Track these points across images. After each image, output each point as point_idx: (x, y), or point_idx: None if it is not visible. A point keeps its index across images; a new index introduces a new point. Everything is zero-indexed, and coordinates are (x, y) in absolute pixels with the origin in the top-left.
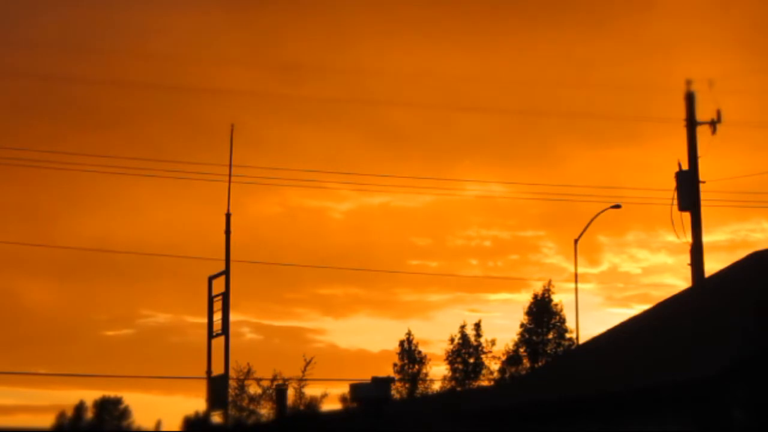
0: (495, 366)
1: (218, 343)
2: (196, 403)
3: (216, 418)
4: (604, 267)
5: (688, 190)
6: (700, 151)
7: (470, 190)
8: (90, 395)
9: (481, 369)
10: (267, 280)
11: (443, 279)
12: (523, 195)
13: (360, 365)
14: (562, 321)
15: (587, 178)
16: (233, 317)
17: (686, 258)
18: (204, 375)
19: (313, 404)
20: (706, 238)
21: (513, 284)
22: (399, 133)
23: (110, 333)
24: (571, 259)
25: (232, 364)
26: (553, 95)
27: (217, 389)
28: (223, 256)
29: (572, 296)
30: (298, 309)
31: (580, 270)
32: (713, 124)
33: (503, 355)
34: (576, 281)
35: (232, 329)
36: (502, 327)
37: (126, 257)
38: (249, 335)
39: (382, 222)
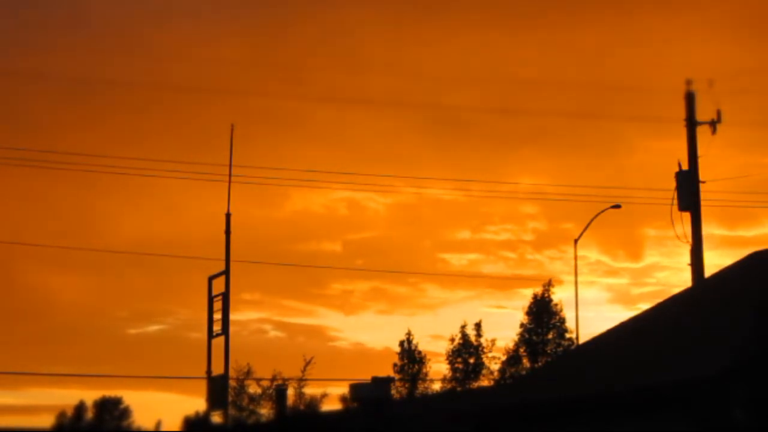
0: (495, 366)
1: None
2: (196, 403)
3: (216, 418)
4: (647, 261)
5: (688, 190)
6: (700, 151)
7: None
8: (90, 395)
9: (481, 369)
10: (290, 278)
11: (475, 274)
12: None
13: (386, 363)
14: (562, 321)
15: (587, 178)
16: (255, 315)
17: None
18: (204, 375)
19: (313, 404)
20: (706, 238)
21: (545, 280)
22: (449, 130)
23: (133, 331)
24: (609, 254)
25: (249, 360)
26: (553, 95)
27: (217, 389)
28: (240, 256)
29: (605, 293)
30: (323, 306)
31: (620, 265)
32: (713, 124)
33: (504, 354)
34: (576, 281)
35: (253, 327)
36: None
37: (130, 257)
38: (272, 332)
39: (420, 216)
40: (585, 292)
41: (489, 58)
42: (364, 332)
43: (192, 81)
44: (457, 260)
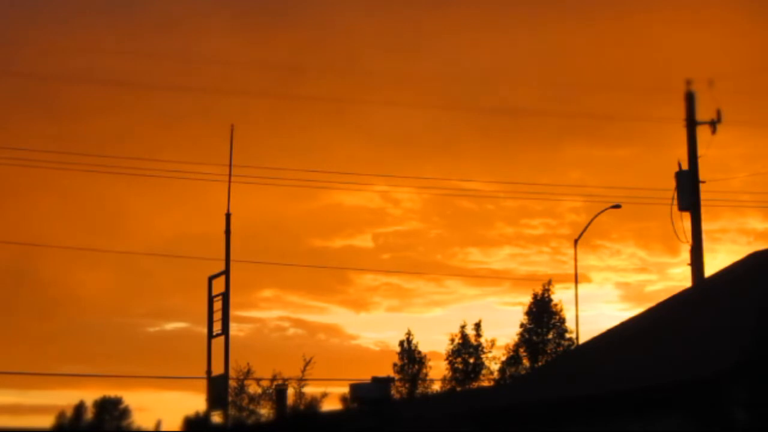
0: (495, 366)
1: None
2: (196, 403)
3: (216, 418)
4: (683, 257)
5: (688, 190)
6: (700, 151)
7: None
8: (90, 395)
9: (481, 369)
10: (310, 275)
11: (503, 270)
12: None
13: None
14: (562, 321)
15: (586, 178)
16: (274, 313)
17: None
18: (204, 375)
19: (313, 404)
20: (706, 238)
21: (580, 277)
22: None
23: (151, 329)
24: (646, 248)
25: (264, 358)
26: (554, 94)
27: (217, 389)
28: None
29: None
30: (343, 305)
31: (661, 260)
32: (713, 124)
33: (504, 354)
34: (576, 281)
35: (272, 324)
36: None
37: (140, 256)
38: (291, 330)
39: (452, 212)
40: (605, 289)
41: (487, 57)
42: (386, 330)
43: (196, 81)
44: (488, 256)
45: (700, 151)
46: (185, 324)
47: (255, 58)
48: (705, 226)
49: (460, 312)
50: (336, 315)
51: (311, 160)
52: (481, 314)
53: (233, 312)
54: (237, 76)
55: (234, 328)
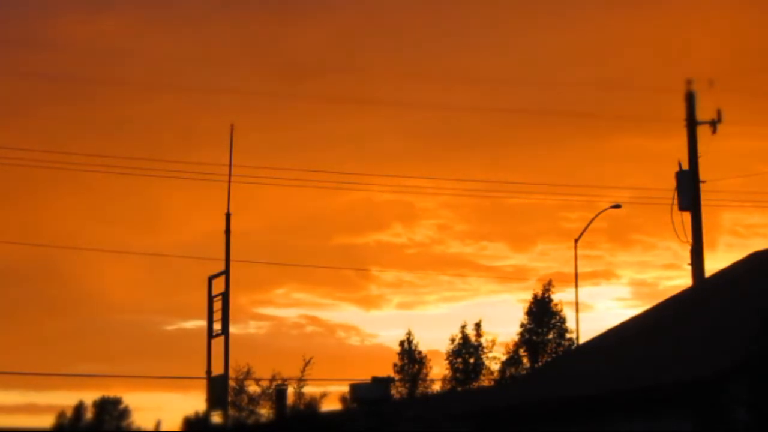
0: (495, 366)
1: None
2: (196, 403)
3: (216, 418)
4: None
5: (688, 190)
6: (700, 151)
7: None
8: (90, 395)
9: (481, 369)
10: (333, 273)
11: (523, 269)
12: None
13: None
14: (563, 321)
15: (587, 177)
16: (291, 311)
17: None
18: (204, 375)
19: (313, 404)
20: (707, 238)
21: (607, 273)
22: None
23: (169, 328)
24: (680, 244)
25: (282, 357)
26: (552, 94)
27: (217, 389)
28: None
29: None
30: (365, 302)
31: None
32: (713, 124)
33: (505, 354)
34: (576, 281)
35: (289, 322)
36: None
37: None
38: (309, 328)
39: (488, 212)
40: (624, 287)
41: (477, 56)
42: (406, 327)
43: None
44: (518, 251)
45: (700, 150)
46: (203, 322)
47: (274, 57)
48: (748, 220)
49: (478, 309)
50: (355, 313)
51: (342, 156)
52: (498, 312)
53: (253, 310)
54: (252, 76)
55: (252, 326)
